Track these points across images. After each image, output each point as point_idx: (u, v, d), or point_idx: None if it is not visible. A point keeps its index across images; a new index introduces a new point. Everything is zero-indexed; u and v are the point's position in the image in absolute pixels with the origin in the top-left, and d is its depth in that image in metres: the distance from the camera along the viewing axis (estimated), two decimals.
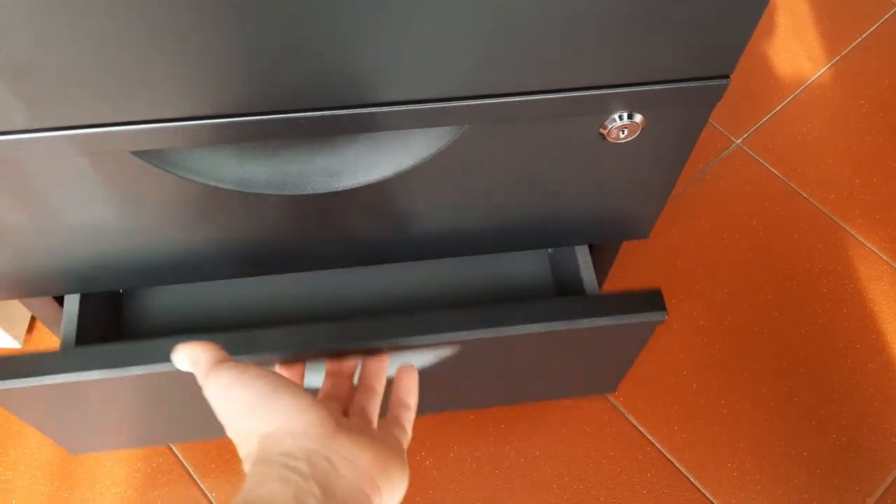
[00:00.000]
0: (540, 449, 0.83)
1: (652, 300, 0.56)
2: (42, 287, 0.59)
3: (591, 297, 0.59)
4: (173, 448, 0.81)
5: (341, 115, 0.43)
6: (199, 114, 0.42)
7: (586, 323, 0.55)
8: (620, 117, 0.47)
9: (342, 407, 0.50)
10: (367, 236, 0.57)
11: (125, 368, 0.53)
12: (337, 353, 0.53)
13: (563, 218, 0.58)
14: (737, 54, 0.44)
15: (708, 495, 0.81)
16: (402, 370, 0.52)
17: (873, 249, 0.96)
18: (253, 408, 0.42)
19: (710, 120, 1.08)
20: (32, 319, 0.87)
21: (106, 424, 0.67)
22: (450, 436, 0.83)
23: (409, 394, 0.52)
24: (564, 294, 0.69)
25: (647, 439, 0.84)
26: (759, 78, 1.13)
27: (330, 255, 0.60)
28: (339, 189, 0.50)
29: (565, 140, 0.49)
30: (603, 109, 0.46)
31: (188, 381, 0.46)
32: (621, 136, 0.48)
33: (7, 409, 0.57)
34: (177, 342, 0.46)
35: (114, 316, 0.70)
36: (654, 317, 0.56)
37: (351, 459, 0.41)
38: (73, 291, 0.60)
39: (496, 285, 0.73)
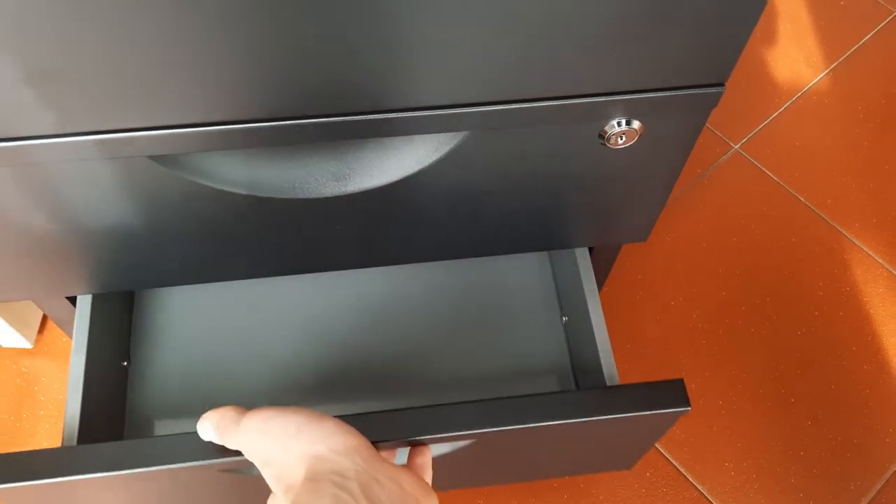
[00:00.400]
0: None
1: (675, 392, 0.56)
2: (57, 287, 0.61)
3: (614, 388, 0.59)
4: None
5: (349, 121, 0.45)
6: (213, 120, 0.44)
7: (608, 416, 0.55)
8: (619, 123, 0.48)
9: None
10: (374, 238, 0.59)
11: (128, 470, 0.52)
12: None
13: (562, 220, 0.60)
14: (731, 63, 0.45)
15: (705, 493, 0.82)
16: (416, 453, 0.54)
17: (870, 253, 0.98)
18: (298, 431, 0.43)
19: (708, 125, 1.09)
20: (44, 320, 0.89)
21: None
22: None
23: (426, 472, 0.53)
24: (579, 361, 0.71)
25: None
26: (757, 83, 1.14)
27: (338, 257, 0.61)
28: (347, 192, 0.52)
29: (566, 145, 0.50)
30: (602, 116, 0.48)
31: (192, 478, 0.49)
32: (620, 141, 0.50)
33: None
34: (177, 440, 0.49)
35: (125, 317, 0.72)
36: (677, 408, 0.56)
37: (397, 481, 0.43)
38: (87, 292, 0.62)
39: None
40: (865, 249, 0.98)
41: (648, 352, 0.90)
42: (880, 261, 0.97)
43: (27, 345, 0.86)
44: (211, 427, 0.48)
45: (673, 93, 0.46)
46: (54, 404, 0.84)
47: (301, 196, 0.52)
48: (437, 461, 0.56)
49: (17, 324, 0.83)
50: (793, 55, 1.17)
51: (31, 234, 0.52)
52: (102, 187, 0.49)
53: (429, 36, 0.40)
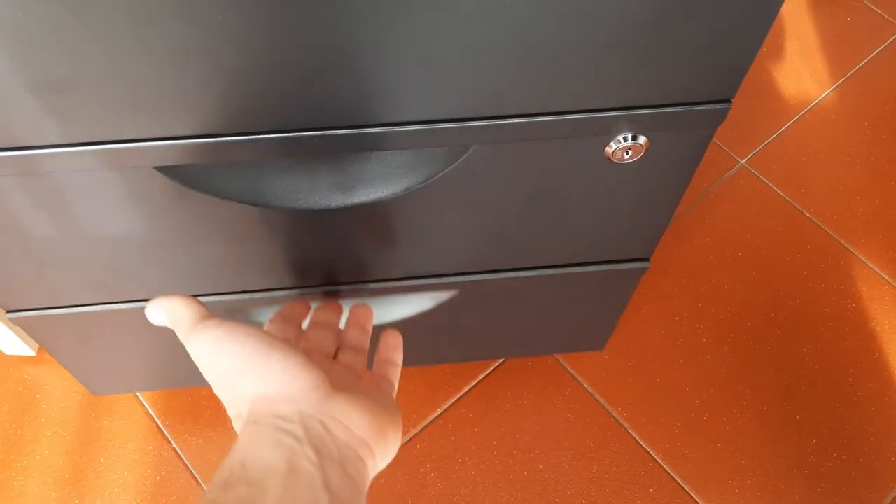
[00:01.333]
0: (543, 463, 0.84)
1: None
2: (60, 298, 0.61)
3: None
4: (182, 457, 0.83)
5: (355, 133, 0.45)
6: (217, 131, 0.44)
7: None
8: (625, 139, 0.48)
9: (331, 355, 0.50)
10: (377, 251, 0.59)
11: None
12: (326, 297, 0.55)
13: (567, 236, 0.60)
14: (738, 80, 0.45)
15: None
16: (385, 334, 0.52)
17: (876, 270, 0.97)
18: (244, 369, 0.40)
19: (715, 139, 1.09)
20: None
21: (127, 361, 0.70)
22: (455, 448, 0.84)
23: (395, 351, 0.52)
24: None
25: (650, 455, 0.85)
26: (764, 98, 1.14)
27: (342, 269, 0.61)
28: (352, 204, 0.52)
29: (571, 160, 0.50)
30: (608, 131, 0.48)
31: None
32: (626, 156, 0.50)
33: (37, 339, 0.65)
34: None
35: None
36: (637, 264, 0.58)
37: (346, 423, 0.40)
38: (89, 302, 0.62)
39: None
40: (871, 266, 0.98)
41: (652, 366, 0.90)
42: (886, 277, 0.97)
43: (30, 353, 0.86)
44: (165, 318, 0.44)
45: (679, 108, 0.46)
46: (56, 412, 0.84)
47: (305, 207, 0.52)
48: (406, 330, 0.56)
49: (20, 332, 0.83)
50: (799, 71, 1.17)
51: (37, 242, 0.52)
52: (107, 198, 0.49)
53: (437, 51, 0.40)
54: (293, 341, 0.51)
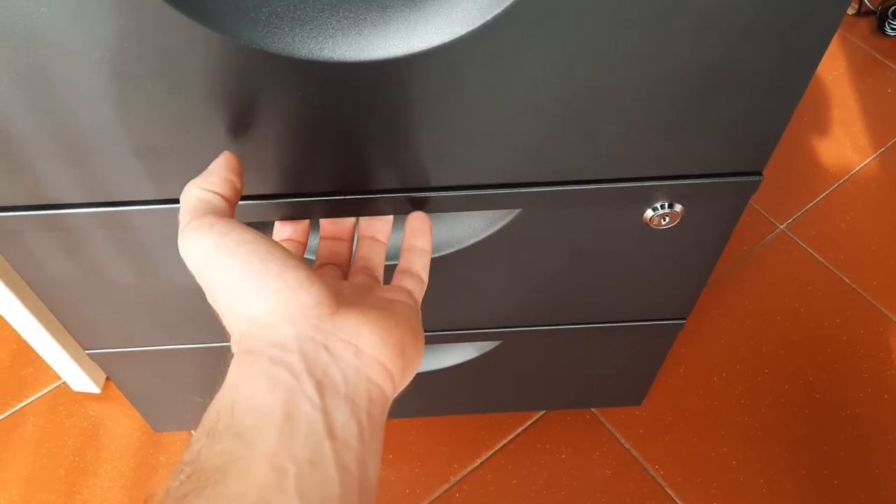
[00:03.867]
0: None
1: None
2: (133, 338, 0.66)
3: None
4: None
5: (403, 197, 0.49)
6: (284, 192, 0.48)
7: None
8: (662, 206, 0.52)
9: (342, 273, 0.44)
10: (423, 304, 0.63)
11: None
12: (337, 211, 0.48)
13: (605, 294, 0.63)
14: (767, 153, 0.49)
15: None
16: (410, 217, 0.46)
17: None
18: (237, 283, 0.34)
19: (754, 204, 1.12)
20: None
21: (188, 398, 0.73)
22: (493, 499, 0.86)
23: (422, 236, 0.45)
24: None
25: None
26: (805, 165, 1.17)
27: None
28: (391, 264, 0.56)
29: (611, 224, 0.54)
30: (646, 199, 0.51)
31: None
32: (663, 223, 0.53)
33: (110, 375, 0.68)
34: None
35: None
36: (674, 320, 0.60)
37: (355, 343, 0.34)
38: (159, 343, 0.67)
39: None
40: None
41: (689, 425, 0.91)
42: None
43: (96, 390, 0.91)
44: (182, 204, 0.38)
45: (713, 180, 0.50)
46: (117, 447, 0.89)
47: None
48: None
49: (89, 368, 0.88)
50: (840, 140, 1.20)
51: (117, 289, 0.58)
52: None
53: (489, 126, 0.44)
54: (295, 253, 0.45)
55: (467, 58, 0.39)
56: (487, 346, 0.70)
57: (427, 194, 0.49)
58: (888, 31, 1.28)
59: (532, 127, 0.45)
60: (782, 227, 1.10)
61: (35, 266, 0.55)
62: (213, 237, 0.35)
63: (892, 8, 1.27)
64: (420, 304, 0.42)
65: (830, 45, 1.29)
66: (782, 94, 0.44)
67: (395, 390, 0.36)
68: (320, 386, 0.32)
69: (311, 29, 0.38)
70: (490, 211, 0.53)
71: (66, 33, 0.36)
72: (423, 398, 0.80)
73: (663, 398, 0.93)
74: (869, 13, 1.31)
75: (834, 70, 1.28)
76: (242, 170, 0.40)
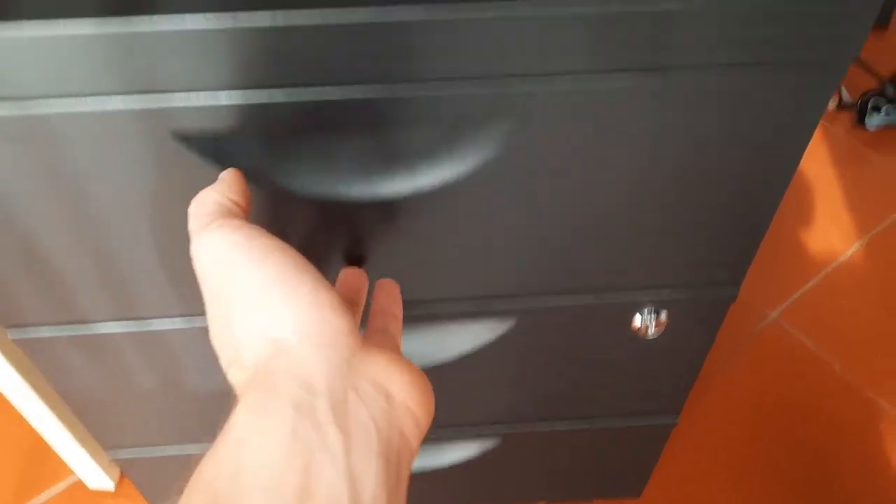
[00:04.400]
0: None
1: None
2: (156, 443, 0.69)
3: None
4: None
5: (412, 309, 0.54)
6: None
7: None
8: (648, 312, 0.56)
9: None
10: None
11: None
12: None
13: (597, 392, 0.67)
14: (744, 267, 0.53)
15: None
16: (381, 282, 0.43)
17: None
18: (264, 293, 0.29)
19: (745, 293, 1.16)
20: None
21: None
22: None
23: (394, 302, 0.41)
24: None
25: None
26: (793, 253, 1.21)
27: None
28: None
29: (601, 330, 0.58)
30: (632, 307, 0.56)
31: None
32: (650, 329, 0.57)
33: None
34: None
35: None
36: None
37: (387, 387, 0.30)
38: (180, 443, 0.70)
39: None
40: None
41: None
42: None
43: (111, 488, 0.93)
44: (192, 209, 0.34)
45: (695, 291, 0.54)
46: None
47: None
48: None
49: (105, 465, 0.91)
50: (826, 228, 1.24)
51: (143, 394, 0.61)
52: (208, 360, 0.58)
53: (485, 246, 0.49)
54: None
55: (464, 194, 0.44)
56: (485, 443, 0.73)
57: (429, 305, 0.53)
58: (868, 125, 1.34)
59: (527, 248, 0.49)
60: (773, 315, 1.13)
61: (63, 373, 0.59)
62: (240, 239, 0.31)
63: (871, 102, 1.33)
64: None
65: (814, 135, 1.35)
66: (755, 215, 0.48)
67: (420, 439, 0.31)
68: (348, 442, 0.27)
69: (325, 172, 0.43)
70: (487, 320, 0.57)
71: (108, 177, 0.41)
72: (419, 494, 0.82)
73: (662, 489, 0.95)
74: (849, 106, 1.37)
75: (817, 160, 1.34)
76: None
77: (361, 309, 0.42)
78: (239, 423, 0.28)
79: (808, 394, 1.04)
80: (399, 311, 0.41)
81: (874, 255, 1.20)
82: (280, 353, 0.29)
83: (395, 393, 0.30)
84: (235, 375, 0.31)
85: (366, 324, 0.40)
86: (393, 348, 0.37)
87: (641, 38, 0.36)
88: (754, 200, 0.47)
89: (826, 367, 1.07)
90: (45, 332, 0.53)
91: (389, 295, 0.42)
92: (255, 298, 0.30)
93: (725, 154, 0.43)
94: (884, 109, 1.33)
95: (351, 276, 0.43)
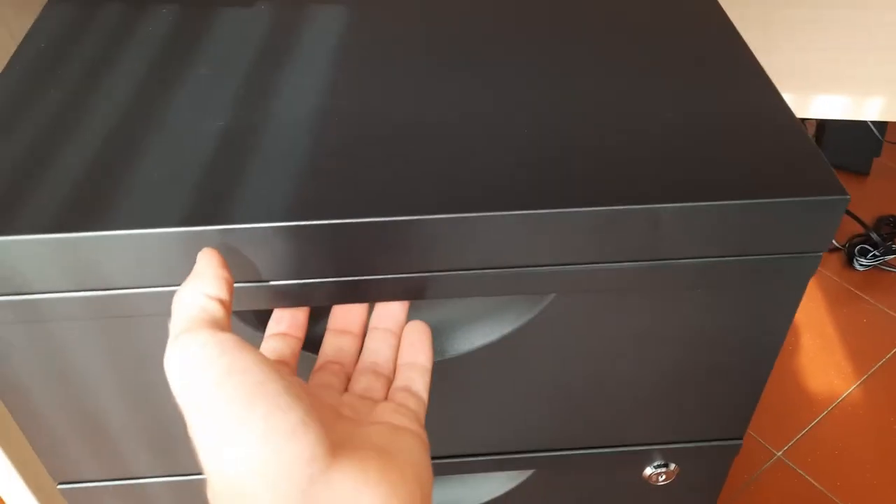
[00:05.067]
0: None
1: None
2: None
3: None
4: None
5: (436, 464, 0.57)
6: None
7: None
8: (658, 465, 0.60)
9: (345, 375, 0.40)
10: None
11: None
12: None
13: None
14: (744, 423, 0.57)
15: None
16: (407, 328, 0.41)
17: None
18: (220, 420, 0.27)
19: (752, 432, 1.19)
20: None
21: None
22: None
23: (422, 351, 0.40)
24: None
25: None
26: (795, 393, 1.25)
27: None
28: None
29: (614, 482, 0.61)
30: (643, 460, 0.59)
31: None
32: (660, 479, 0.61)
33: None
34: None
35: None
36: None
37: None
38: None
39: None
40: None
41: None
42: None
43: None
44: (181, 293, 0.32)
45: (700, 444, 0.58)
46: None
47: None
48: None
49: None
50: (825, 368, 1.29)
51: None
52: None
53: (509, 402, 0.53)
54: (293, 365, 0.39)
55: (491, 360, 0.49)
56: None
57: (458, 461, 0.57)
58: (857, 267, 1.41)
59: (544, 407, 0.54)
60: (779, 454, 1.16)
61: None
62: (202, 359, 0.28)
63: (858, 247, 1.40)
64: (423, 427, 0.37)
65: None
66: (750, 379, 0.53)
67: None
68: None
69: None
70: (506, 472, 0.61)
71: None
72: None
73: None
74: (836, 249, 1.45)
75: (811, 301, 1.40)
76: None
77: (397, 342, 0.41)
78: None
79: None
80: (427, 360, 0.40)
81: (872, 395, 1.24)
82: (232, 495, 0.28)
83: None
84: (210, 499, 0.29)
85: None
86: (408, 421, 0.35)
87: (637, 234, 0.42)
88: (748, 367, 0.52)
89: None
90: (94, 489, 0.57)
91: (416, 343, 0.40)
92: (212, 424, 0.28)
93: (721, 332, 0.49)
94: (870, 254, 1.40)
95: (386, 309, 0.41)
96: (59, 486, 0.57)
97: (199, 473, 0.56)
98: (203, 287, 0.32)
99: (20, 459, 0.71)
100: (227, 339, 0.29)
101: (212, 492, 0.29)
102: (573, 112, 0.46)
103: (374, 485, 0.29)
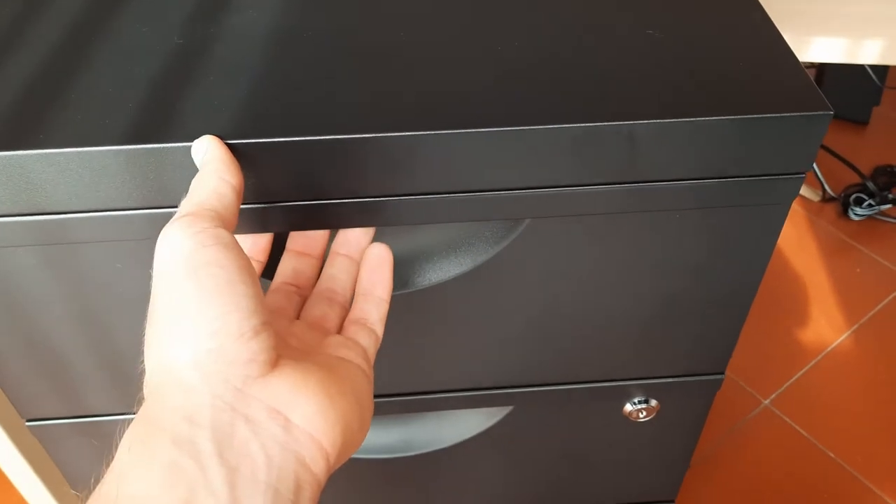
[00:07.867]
0: None
1: None
2: None
3: None
4: None
5: (412, 400, 0.56)
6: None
7: None
8: (639, 401, 0.59)
9: (300, 300, 0.39)
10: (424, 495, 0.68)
11: None
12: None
13: (593, 479, 0.68)
14: (725, 358, 0.56)
15: None
16: (367, 252, 0.40)
17: None
18: (180, 309, 0.28)
19: (738, 380, 1.18)
20: None
21: None
22: None
23: (381, 281, 0.39)
24: None
25: None
26: (784, 342, 1.24)
27: None
28: (409, 455, 0.62)
29: (595, 418, 0.60)
30: (623, 396, 0.58)
31: None
32: (641, 416, 0.60)
33: None
34: None
35: None
36: None
37: (285, 413, 0.29)
38: None
39: None
40: None
41: None
42: None
43: None
44: (198, 156, 0.33)
45: (681, 379, 0.57)
46: None
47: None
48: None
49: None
50: (816, 317, 1.28)
51: None
52: None
53: (485, 338, 0.52)
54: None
55: (464, 291, 0.47)
56: None
57: (430, 397, 0.56)
58: (852, 216, 1.39)
59: (520, 341, 0.52)
60: (766, 402, 1.15)
61: (75, 465, 0.61)
62: (192, 244, 0.29)
63: (854, 196, 1.39)
64: (373, 364, 0.37)
65: (801, 227, 1.39)
66: (731, 313, 0.52)
67: (330, 470, 0.30)
68: (232, 475, 0.27)
69: None
70: (484, 409, 0.60)
71: (133, 282, 0.45)
72: None
73: None
74: (832, 199, 1.43)
75: (805, 250, 1.38)
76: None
77: (356, 270, 0.40)
78: (120, 457, 0.28)
79: (803, 482, 1.05)
80: (386, 292, 0.39)
81: (862, 344, 1.23)
82: (169, 384, 0.28)
83: (296, 420, 0.29)
84: (143, 393, 0.30)
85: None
86: (356, 355, 0.35)
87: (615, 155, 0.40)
88: (729, 297, 0.50)
89: (820, 455, 1.08)
90: (57, 426, 0.56)
91: (376, 270, 0.39)
92: (172, 313, 0.29)
93: (700, 260, 0.47)
94: (866, 203, 1.38)
95: (348, 236, 0.40)
96: (28, 424, 0.56)
97: None
98: (223, 172, 0.32)
99: None
100: (223, 234, 0.30)
101: (148, 388, 0.29)
102: (551, 29, 0.44)
103: (311, 392, 0.30)
